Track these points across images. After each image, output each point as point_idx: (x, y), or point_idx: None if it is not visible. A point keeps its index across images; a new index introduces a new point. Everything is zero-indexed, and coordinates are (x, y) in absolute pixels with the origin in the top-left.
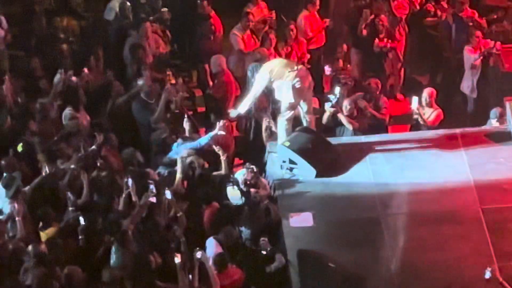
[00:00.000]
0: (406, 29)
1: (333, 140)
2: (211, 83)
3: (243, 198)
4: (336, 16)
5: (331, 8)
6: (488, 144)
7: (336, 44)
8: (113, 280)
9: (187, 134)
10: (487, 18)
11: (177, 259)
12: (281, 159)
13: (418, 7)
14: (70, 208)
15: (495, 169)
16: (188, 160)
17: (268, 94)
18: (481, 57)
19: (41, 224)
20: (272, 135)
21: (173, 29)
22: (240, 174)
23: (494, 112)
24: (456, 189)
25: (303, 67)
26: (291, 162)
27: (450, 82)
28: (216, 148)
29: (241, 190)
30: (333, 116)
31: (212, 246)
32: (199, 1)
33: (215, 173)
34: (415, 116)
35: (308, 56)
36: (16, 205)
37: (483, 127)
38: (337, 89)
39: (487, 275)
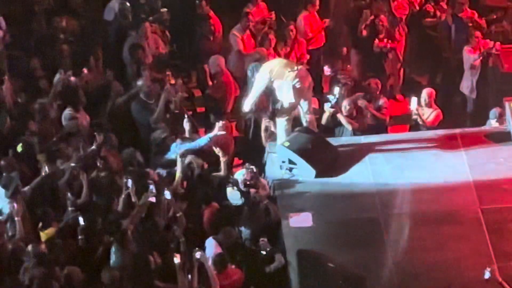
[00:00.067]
0: (405, 30)
1: (333, 141)
2: (210, 83)
3: (243, 199)
4: (336, 16)
5: (331, 8)
6: (488, 144)
7: (336, 44)
8: (113, 280)
9: (187, 134)
10: (487, 19)
11: (177, 259)
12: (281, 159)
13: (417, 8)
14: (70, 208)
15: (494, 169)
16: (187, 160)
17: (268, 94)
18: (481, 58)
19: (40, 224)
20: (272, 135)
21: (172, 29)
22: (240, 174)
23: (494, 112)
24: (456, 189)
25: (303, 67)
26: (291, 162)
27: (450, 83)
28: (216, 150)
29: (240, 190)
30: (333, 116)
31: (211, 246)
32: (197, 1)
33: (214, 174)
34: (414, 117)
35: (308, 56)
36: (15, 205)
37: (482, 127)
38: (337, 90)
39: (487, 275)
